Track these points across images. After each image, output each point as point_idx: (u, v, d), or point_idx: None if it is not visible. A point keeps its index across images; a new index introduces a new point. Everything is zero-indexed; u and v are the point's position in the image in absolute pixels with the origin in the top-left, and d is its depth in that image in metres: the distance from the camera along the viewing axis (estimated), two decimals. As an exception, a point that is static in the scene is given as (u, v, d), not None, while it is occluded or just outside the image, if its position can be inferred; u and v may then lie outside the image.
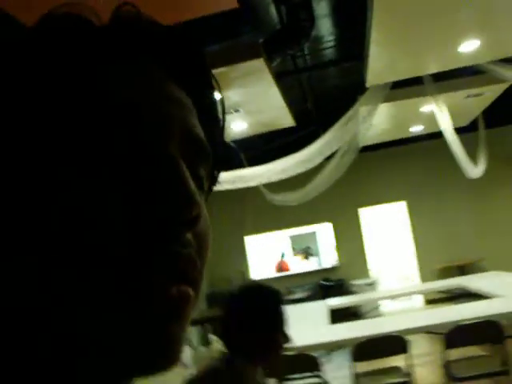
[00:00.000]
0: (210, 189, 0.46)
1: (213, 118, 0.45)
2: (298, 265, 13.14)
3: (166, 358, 0.34)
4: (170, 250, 0.34)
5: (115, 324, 0.33)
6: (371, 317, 7.77)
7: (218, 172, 0.46)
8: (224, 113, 0.47)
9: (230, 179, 6.96)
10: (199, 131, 0.41)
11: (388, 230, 14.59)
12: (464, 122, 8.63)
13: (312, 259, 13.87)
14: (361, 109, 6.71)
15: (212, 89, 0.45)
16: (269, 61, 5.36)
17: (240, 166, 7.20)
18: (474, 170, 7.70)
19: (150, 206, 0.34)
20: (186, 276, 0.36)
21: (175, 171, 0.36)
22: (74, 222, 0.32)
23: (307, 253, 14.34)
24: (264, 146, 8.21)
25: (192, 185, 0.35)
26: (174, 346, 0.35)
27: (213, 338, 5.66)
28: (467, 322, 4.22)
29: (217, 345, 5.35)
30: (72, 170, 0.34)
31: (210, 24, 4.39)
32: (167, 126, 0.38)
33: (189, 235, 0.36)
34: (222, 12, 4.16)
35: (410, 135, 9.70)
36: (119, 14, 0.42)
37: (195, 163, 0.40)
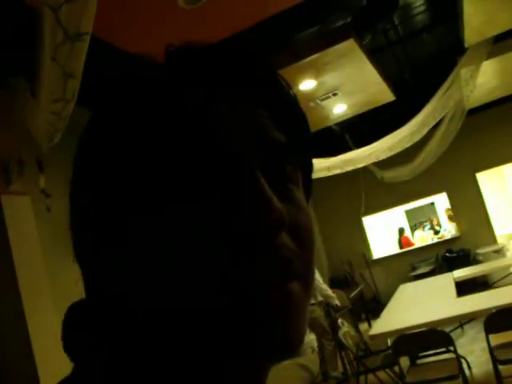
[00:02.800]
0: (308, 179, 0.49)
1: (290, 119, 0.46)
2: (419, 239, 12.79)
3: (287, 349, 0.39)
4: (265, 258, 0.38)
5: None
6: (501, 286, 7.40)
7: (310, 162, 0.50)
8: (300, 109, 0.48)
9: (338, 164, 6.91)
10: (277, 135, 0.43)
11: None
12: None
13: (432, 231, 13.44)
14: (462, 71, 6.40)
15: (284, 91, 0.47)
16: (359, 39, 5.28)
17: (346, 148, 7.14)
18: None
19: (234, 222, 0.38)
20: (289, 274, 0.39)
21: (254, 184, 0.39)
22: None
23: (428, 226, 13.90)
24: (367, 125, 8.08)
25: (268, 192, 0.38)
26: (292, 338, 0.39)
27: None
28: None
29: (345, 329, 5.38)
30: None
31: (295, 14, 4.42)
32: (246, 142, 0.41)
33: (284, 236, 0.39)
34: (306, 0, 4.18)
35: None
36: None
37: (279, 164, 0.43)
